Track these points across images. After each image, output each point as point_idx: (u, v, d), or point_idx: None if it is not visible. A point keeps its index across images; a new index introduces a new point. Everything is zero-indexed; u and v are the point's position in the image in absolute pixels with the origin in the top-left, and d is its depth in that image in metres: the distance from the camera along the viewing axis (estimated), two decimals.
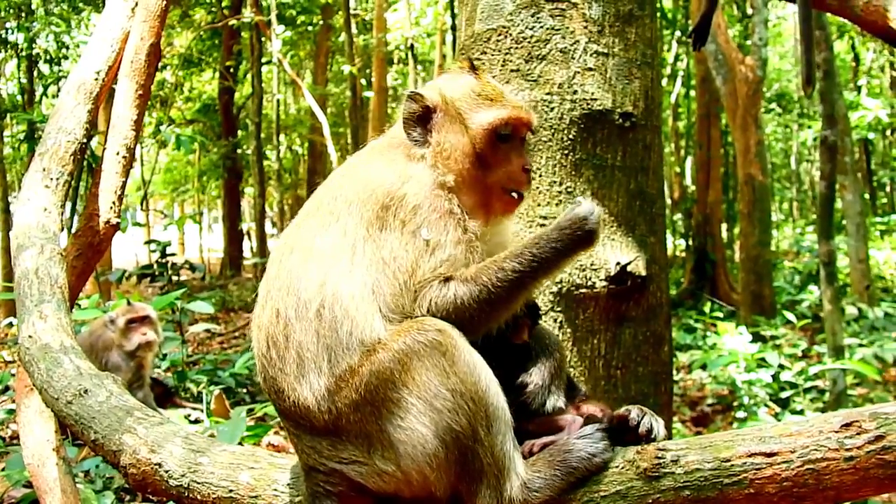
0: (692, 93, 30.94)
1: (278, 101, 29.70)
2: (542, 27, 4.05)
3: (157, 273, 15.11)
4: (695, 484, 2.36)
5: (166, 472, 2.88)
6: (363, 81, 30.91)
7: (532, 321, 3.09)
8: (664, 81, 33.34)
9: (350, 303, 2.59)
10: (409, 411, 2.50)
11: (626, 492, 2.45)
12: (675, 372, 15.08)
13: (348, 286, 2.61)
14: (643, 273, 4.02)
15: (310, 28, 32.41)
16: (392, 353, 2.51)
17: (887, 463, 2.20)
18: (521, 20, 4.06)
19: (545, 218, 3.96)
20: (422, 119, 2.92)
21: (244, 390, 10.62)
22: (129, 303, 9.39)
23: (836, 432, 2.27)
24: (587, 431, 2.59)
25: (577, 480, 2.52)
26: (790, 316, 13.88)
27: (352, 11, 27.89)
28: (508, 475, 2.53)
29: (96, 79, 4.44)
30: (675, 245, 34.03)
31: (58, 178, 4.10)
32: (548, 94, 4.01)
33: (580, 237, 2.70)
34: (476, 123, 2.92)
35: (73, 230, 4.53)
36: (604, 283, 3.94)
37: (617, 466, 2.49)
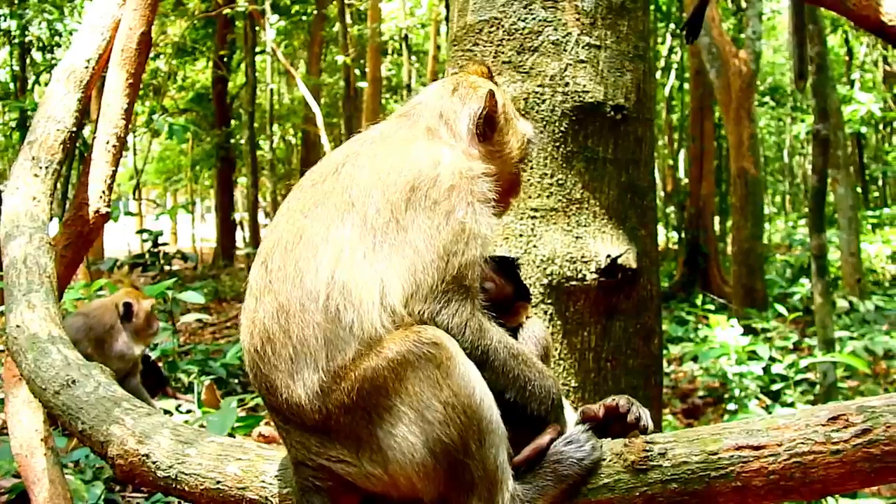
0: (686, 86, 30.96)
1: (272, 90, 29.66)
2: (534, 19, 4.04)
3: (148, 262, 15.10)
4: (682, 477, 2.37)
5: (154, 463, 2.86)
6: (357, 72, 30.88)
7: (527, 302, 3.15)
8: (658, 74, 33.42)
9: (358, 293, 2.52)
10: (401, 419, 2.47)
11: (614, 485, 2.45)
12: (666, 364, 15.17)
13: (363, 274, 2.54)
14: (634, 266, 4.02)
15: (304, 18, 32.33)
16: (387, 360, 2.46)
17: (874, 456, 2.21)
18: (514, 12, 4.05)
19: (536, 210, 3.95)
20: (487, 118, 2.97)
21: (235, 381, 10.61)
22: (135, 287, 9.31)
23: (823, 426, 2.28)
24: (573, 436, 2.58)
25: (571, 487, 2.51)
26: (781, 309, 13.92)
27: (346, 1, 27.84)
28: (501, 488, 2.50)
29: (86, 67, 4.40)
30: (668, 238, 34.11)
31: (47, 167, 4.07)
32: (539, 86, 4.00)
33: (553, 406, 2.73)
34: (523, 131, 3.13)
35: (63, 219, 4.51)
36: (594, 276, 3.93)
37: (605, 459, 2.50)
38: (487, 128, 2.97)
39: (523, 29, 4.04)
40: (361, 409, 2.48)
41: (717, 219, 28.28)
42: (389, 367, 2.46)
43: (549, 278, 3.92)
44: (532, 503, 2.52)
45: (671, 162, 36.08)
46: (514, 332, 2.94)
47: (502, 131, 3.03)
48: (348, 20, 28.78)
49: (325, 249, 2.59)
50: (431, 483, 2.49)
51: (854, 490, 2.40)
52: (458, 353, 2.51)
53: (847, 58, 36.45)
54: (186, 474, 2.82)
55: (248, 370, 2.70)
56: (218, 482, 2.79)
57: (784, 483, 2.29)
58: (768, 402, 10.92)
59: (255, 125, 29.69)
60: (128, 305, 8.83)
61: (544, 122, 3.98)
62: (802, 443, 2.28)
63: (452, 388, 2.46)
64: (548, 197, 3.97)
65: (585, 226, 3.98)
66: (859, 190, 32.75)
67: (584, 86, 4.01)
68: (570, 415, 2.79)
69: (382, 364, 2.46)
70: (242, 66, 31.44)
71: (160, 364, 10.48)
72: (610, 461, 2.49)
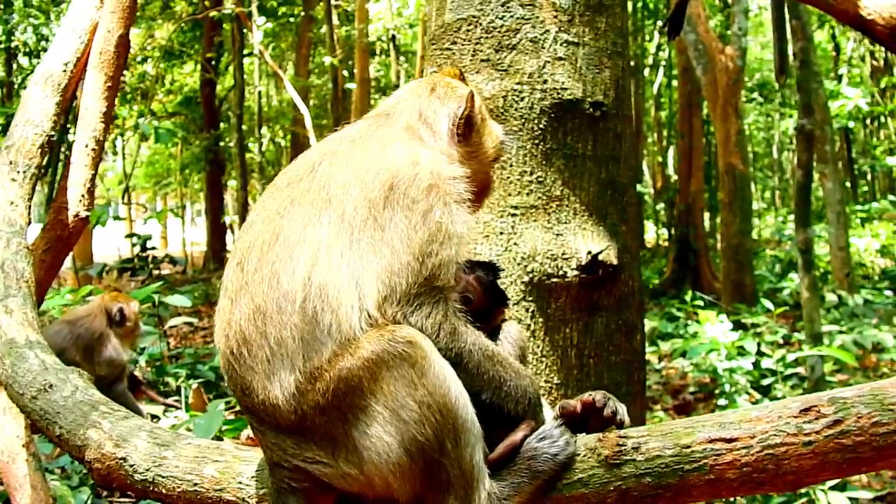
0: (674, 83, 31.02)
1: (260, 93, 29.61)
2: (512, 17, 4.04)
3: (137, 267, 15.05)
4: (655, 471, 2.37)
5: (131, 466, 2.85)
6: (345, 73, 30.85)
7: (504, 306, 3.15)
8: (646, 72, 33.48)
9: (335, 294, 2.51)
10: (376, 419, 2.46)
11: (588, 479, 2.45)
12: (657, 360, 15.20)
13: (339, 274, 2.53)
14: (615, 262, 4.02)
15: (291, 19, 32.30)
16: (362, 360, 2.46)
17: (845, 447, 2.21)
18: (491, 10, 4.06)
19: (516, 208, 3.96)
20: (466, 119, 2.98)
21: (225, 384, 10.57)
22: (117, 290, 9.25)
23: (795, 417, 2.28)
24: (547, 432, 2.58)
25: (546, 482, 2.51)
26: (768, 304, 13.96)
27: (333, 2, 27.79)
28: (477, 487, 2.50)
29: (64, 70, 4.39)
30: (658, 235, 34.17)
31: (25, 172, 4.05)
32: (518, 83, 4.01)
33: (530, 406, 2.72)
34: (497, 134, 3.15)
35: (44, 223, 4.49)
36: (575, 273, 3.94)
37: (579, 454, 2.50)
38: (467, 128, 2.98)
39: (501, 27, 4.04)
40: (337, 410, 2.48)
41: (706, 215, 28.34)
42: (364, 366, 2.46)
43: (530, 276, 3.92)
44: (508, 500, 2.52)
45: (660, 159, 36.15)
46: (491, 334, 2.94)
47: (479, 132, 3.05)
48: (336, 21, 28.73)
49: (302, 250, 2.58)
50: (407, 483, 2.49)
51: (826, 480, 2.40)
52: (432, 351, 2.50)
53: (834, 53, 36.55)
54: (164, 477, 2.82)
55: (224, 372, 2.69)
56: (195, 484, 2.79)
57: (757, 475, 2.29)
58: (758, 396, 10.93)
59: (244, 128, 29.66)
60: (121, 310, 8.79)
61: (523, 120, 3.98)
62: (775, 435, 2.28)
63: (427, 386, 2.45)
64: (528, 194, 3.97)
65: (566, 223, 3.98)
66: (848, 185, 32.84)
67: (563, 83, 4.01)
68: (549, 414, 2.79)
69: (357, 364, 2.46)
70: (230, 68, 31.38)
71: (149, 369, 10.46)
72: (584, 456, 2.49)
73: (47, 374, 3.19)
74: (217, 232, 33.30)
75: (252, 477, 2.77)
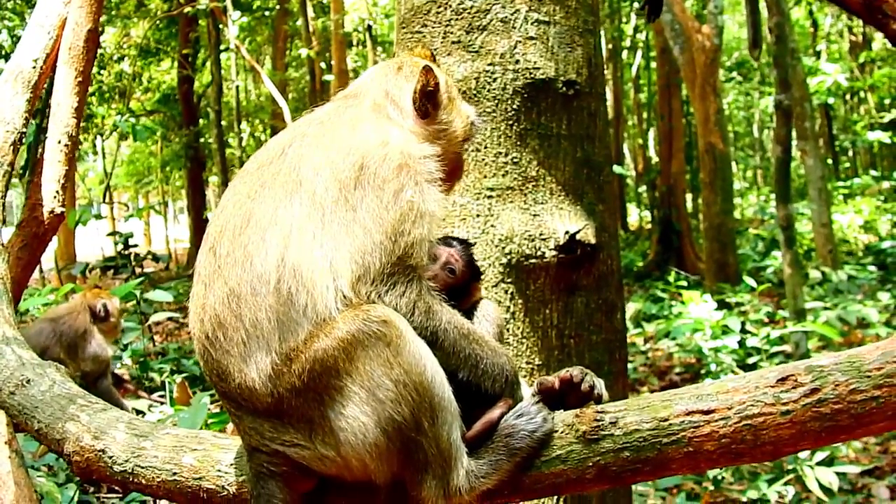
0: (653, 64, 31.04)
1: (238, 88, 29.46)
2: None
3: (120, 265, 14.96)
4: (634, 445, 2.37)
5: (110, 458, 2.85)
6: (323, 65, 30.74)
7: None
8: (624, 54, 33.49)
9: (309, 274, 2.51)
10: (352, 400, 2.46)
11: (567, 456, 2.45)
12: (643, 342, 15.24)
13: (312, 255, 2.53)
14: (593, 241, 4.02)
15: (266, 13, 32.14)
16: (337, 340, 2.45)
17: (823, 415, 2.22)
18: None
19: (492, 189, 3.94)
20: (429, 95, 2.96)
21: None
22: (98, 287, 9.23)
23: (773, 387, 2.28)
24: (524, 409, 2.57)
25: (524, 459, 2.51)
26: (751, 282, 14.01)
27: None
28: (454, 465, 2.50)
29: (34, 67, 4.35)
30: (641, 217, 34.21)
31: None
32: (490, 64, 3.99)
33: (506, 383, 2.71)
34: (466, 113, 3.11)
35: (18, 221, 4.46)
36: (553, 253, 3.93)
37: (557, 430, 2.49)
38: (430, 104, 2.97)
39: (471, 8, 4.02)
40: (313, 391, 2.48)
41: (688, 196, 28.41)
42: (339, 346, 2.45)
43: (508, 257, 3.91)
44: (486, 478, 2.52)
45: (641, 141, 36.19)
46: (468, 313, 2.93)
47: (447, 110, 3.03)
48: (311, 13, 28.62)
49: (274, 232, 2.58)
50: (384, 463, 2.49)
51: (805, 449, 2.40)
52: (407, 330, 2.50)
53: (812, 29, 36.63)
54: (143, 467, 2.81)
55: (199, 358, 2.68)
56: (174, 473, 2.78)
57: (735, 446, 2.29)
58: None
59: (223, 123, 29.52)
60: (105, 306, 8.80)
61: (496, 101, 3.97)
62: (752, 405, 2.28)
63: (403, 365, 2.45)
64: (503, 176, 3.96)
65: (542, 203, 3.97)
66: (830, 161, 32.94)
67: (535, 62, 4.00)
68: (527, 392, 2.79)
69: (332, 344, 2.46)
70: (207, 64, 31.22)
71: (134, 365, 10.42)
72: (562, 432, 2.48)
73: (24, 369, 3.18)
74: (200, 228, 33.11)
75: (231, 464, 2.76)
